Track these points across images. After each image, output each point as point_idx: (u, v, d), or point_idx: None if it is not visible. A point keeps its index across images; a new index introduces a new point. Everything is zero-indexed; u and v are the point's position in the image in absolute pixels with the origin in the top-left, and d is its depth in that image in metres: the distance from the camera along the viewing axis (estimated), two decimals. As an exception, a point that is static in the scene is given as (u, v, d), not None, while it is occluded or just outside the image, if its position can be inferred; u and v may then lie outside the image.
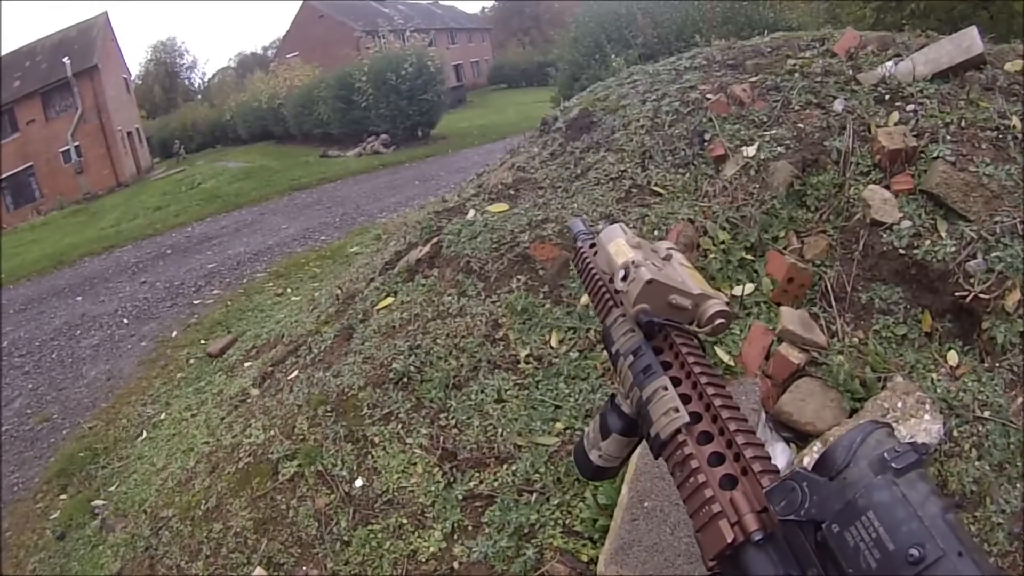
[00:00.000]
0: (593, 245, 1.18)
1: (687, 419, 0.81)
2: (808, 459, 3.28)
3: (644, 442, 0.98)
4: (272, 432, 4.78)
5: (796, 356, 3.73)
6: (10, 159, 38.37)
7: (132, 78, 51.67)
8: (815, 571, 0.68)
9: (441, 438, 4.11)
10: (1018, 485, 3.31)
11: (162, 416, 7.13)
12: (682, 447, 0.80)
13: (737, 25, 11.80)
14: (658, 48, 13.21)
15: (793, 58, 5.63)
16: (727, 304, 0.96)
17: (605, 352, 3.98)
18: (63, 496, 6.48)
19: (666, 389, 0.86)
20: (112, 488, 6.12)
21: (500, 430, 4.00)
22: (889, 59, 5.29)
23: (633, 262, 0.97)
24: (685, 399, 0.84)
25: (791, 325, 3.82)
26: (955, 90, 4.85)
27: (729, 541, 0.70)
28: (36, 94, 38.22)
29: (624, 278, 0.96)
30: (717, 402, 0.82)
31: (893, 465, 0.67)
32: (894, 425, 3.17)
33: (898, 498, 0.65)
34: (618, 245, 1.04)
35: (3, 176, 38.44)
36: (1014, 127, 4.48)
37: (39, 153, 38.13)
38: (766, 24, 7.79)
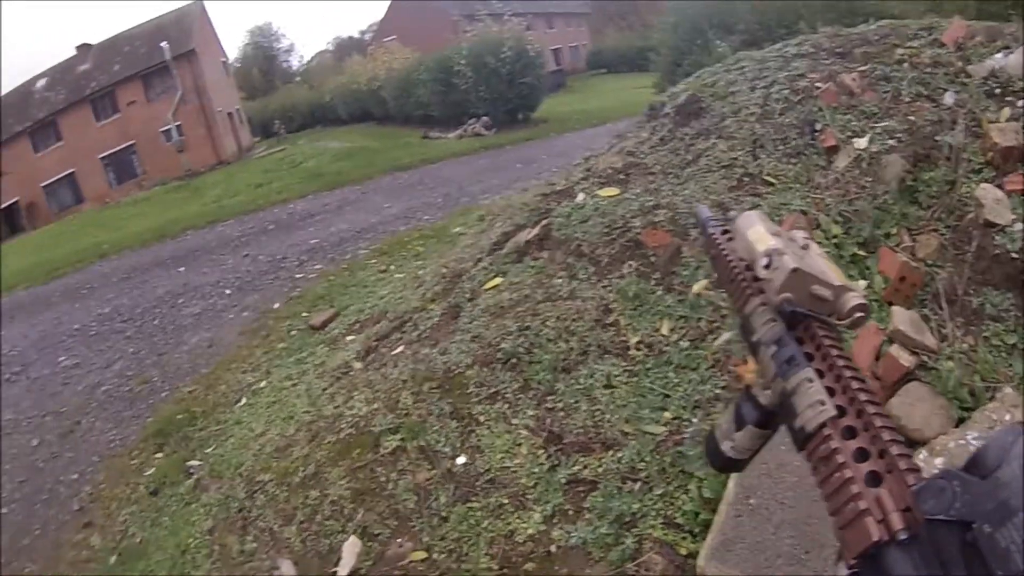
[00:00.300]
0: (726, 232, 1.16)
1: (833, 412, 0.79)
2: None
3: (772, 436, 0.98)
4: (375, 405, 4.85)
5: (906, 359, 3.60)
6: (113, 138, 40.13)
7: (230, 61, 52.74)
8: (960, 573, 0.66)
9: (547, 420, 4.11)
10: None
11: (262, 384, 7.29)
12: (827, 441, 0.78)
13: (839, 12, 11.46)
14: (760, 35, 12.92)
15: (901, 47, 5.50)
16: (865, 297, 0.94)
17: (717, 343, 4.00)
18: (159, 455, 6.71)
19: (811, 381, 0.84)
20: (208, 450, 6.30)
21: (608, 416, 3.97)
22: (998, 51, 5.13)
23: (776, 250, 0.94)
24: (829, 392, 0.82)
25: (903, 326, 3.70)
26: None
27: (875, 539, 0.68)
28: (136, 77, 39.86)
29: (767, 266, 0.94)
30: (861, 397, 0.80)
31: None
32: None
33: None
34: (758, 232, 1.02)
35: (106, 154, 40.32)
36: None
37: (140, 133, 39.76)
38: (868, 11, 7.56)
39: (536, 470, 3.91)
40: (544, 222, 5.40)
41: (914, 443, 3.34)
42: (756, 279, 0.98)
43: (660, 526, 3.40)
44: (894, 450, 0.74)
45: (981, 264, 4.03)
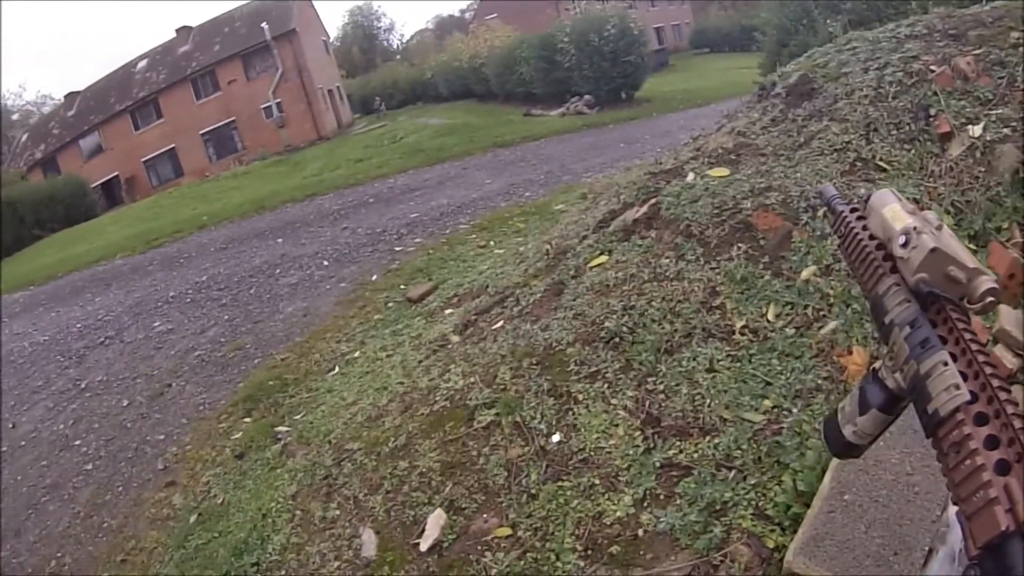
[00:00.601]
0: (856, 210, 1.10)
1: (968, 397, 0.76)
2: None
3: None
4: (472, 379, 4.83)
5: (1011, 360, 3.46)
6: (213, 115, 41.63)
7: (330, 40, 53.81)
8: None
9: (647, 402, 4.04)
10: None
11: (356, 354, 7.33)
12: (960, 427, 0.75)
13: None
14: (867, 14, 12.61)
15: (1016, 31, 5.27)
16: (996, 283, 0.87)
17: (824, 332, 3.84)
18: (247, 419, 6.80)
19: (946, 364, 0.80)
20: (297, 417, 6.35)
21: (708, 401, 3.90)
22: None
23: (915, 228, 0.92)
24: (962, 377, 0.78)
25: (1009, 326, 3.55)
26: None
27: (1002, 529, 0.65)
28: (236, 56, 41.23)
29: (904, 244, 0.92)
30: (994, 383, 0.75)
31: None
32: None
33: None
34: (894, 210, 0.99)
35: (206, 131, 41.91)
36: None
37: (241, 110, 41.25)
38: None
39: (631, 452, 3.83)
40: (652, 201, 5.32)
41: None
42: (889, 258, 0.97)
43: (750, 517, 3.31)
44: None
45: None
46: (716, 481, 3.50)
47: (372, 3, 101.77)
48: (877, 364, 0.96)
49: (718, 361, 4.07)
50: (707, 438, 3.72)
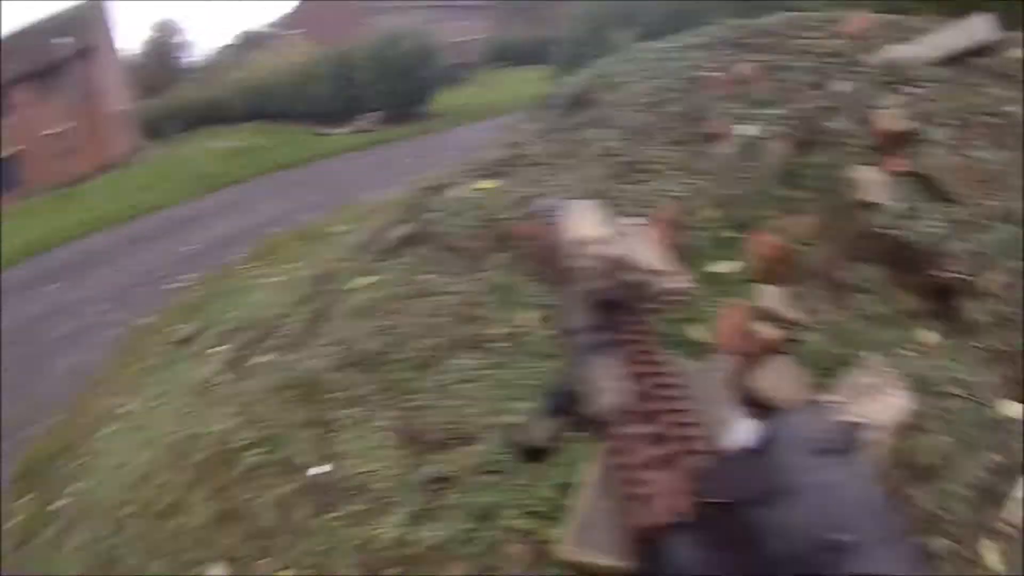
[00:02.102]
0: (556, 222, 1.08)
1: (627, 397, 0.76)
2: None
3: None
4: (238, 419, 4.68)
5: (771, 333, 3.71)
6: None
7: (128, 57, 51.58)
8: (736, 551, 0.74)
9: (408, 420, 4.02)
10: (981, 459, 3.34)
11: (130, 407, 6.96)
12: (620, 426, 0.74)
13: (746, 6, 11.72)
14: (661, 28, 13.19)
15: (800, 39, 5.64)
16: (687, 281, 0.82)
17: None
18: (30, 495, 6.31)
19: (610, 367, 0.81)
20: (75, 487, 5.96)
21: (468, 410, 3.89)
22: (897, 42, 5.28)
23: (591, 239, 0.91)
24: (630, 378, 0.78)
25: (769, 302, 3.81)
26: (958, 76, 4.87)
27: (654, 522, 0.63)
28: (29, 76, 37.78)
29: (582, 255, 0.91)
30: (659, 381, 0.76)
31: (820, 447, 0.73)
32: (865, 402, 3.22)
33: (822, 481, 0.72)
34: (581, 221, 0.99)
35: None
36: (1011, 114, 4.51)
37: (27, 136, 37.76)
38: (774, 7, 7.66)
39: (397, 472, 3.81)
40: (417, 217, 5.33)
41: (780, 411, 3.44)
42: (572, 268, 0.95)
43: (520, 516, 3.32)
44: (685, 433, 0.82)
45: (854, 241, 4.16)
46: (482, 487, 3.51)
47: (173, 18, 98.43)
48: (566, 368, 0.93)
49: (476, 370, 4.08)
50: (470, 447, 3.72)
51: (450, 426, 3.86)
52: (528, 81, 30.18)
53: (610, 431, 0.63)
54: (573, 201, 0.82)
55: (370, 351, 4.43)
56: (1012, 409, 3.50)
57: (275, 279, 9.23)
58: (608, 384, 0.64)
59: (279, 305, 6.49)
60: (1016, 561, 3.13)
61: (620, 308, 0.72)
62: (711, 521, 0.54)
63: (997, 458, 3.33)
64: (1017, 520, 3.21)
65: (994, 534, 3.19)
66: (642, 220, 0.84)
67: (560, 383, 0.79)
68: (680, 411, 0.59)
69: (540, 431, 0.78)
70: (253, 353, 5.66)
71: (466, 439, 3.76)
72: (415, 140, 23.38)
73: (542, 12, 59.30)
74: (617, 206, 4.30)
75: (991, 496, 3.26)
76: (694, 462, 0.56)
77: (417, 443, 3.89)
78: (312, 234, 11.71)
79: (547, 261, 0.88)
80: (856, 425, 0.53)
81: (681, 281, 0.71)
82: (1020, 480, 3.33)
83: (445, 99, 30.49)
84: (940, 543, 3.09)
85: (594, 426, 0.67)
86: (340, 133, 27.49)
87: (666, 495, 0.55)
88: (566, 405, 0.77)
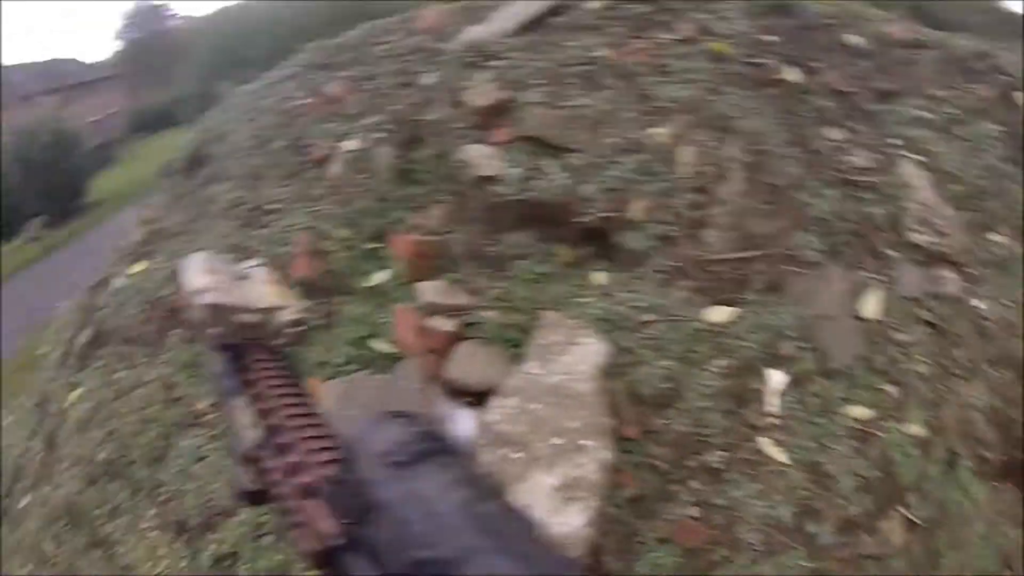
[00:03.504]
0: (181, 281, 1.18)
1: (262, 433, 0.83)
2: (491, 416, 3.34)
3: None
4: (29, 566, 4.48)
5: (446, 324, 3.80)
6: None
7: None
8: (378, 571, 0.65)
9: (166, 514, 3.99)
10: (709, 368, 3.59)
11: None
12: (261, 461, 0.82)
13: (351, 21, 11.76)
14: (278, 62, 13.06)
15: (381, 44, 5.72)
16: (303, 311, 0.97)
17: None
18: None
19: (244, 407, 0.88)
20: None
21: (212, 486, 3.90)
22: (472, 25, 5.45)
23: (197, 290, 0.96)
24: (264, 414, 0.86)
25: (432, 297, 3.89)
26: (540, 39, 5.06)
27: (314, 549, 0.70)
28: None
29: (195, 306, 0.96)
30: (291, 412, 0.83)
31: (398, 459, 0.65)
32: (560, 358, 3.38)
33: (405, 494, 0.61)
34: (190, 275, 1.03)
35: None
36: (603, 57, 4.75)
37: None
38: (379, 13, 7.74)
39: (183, 564, 3.77)
40: (94, 318, 5.22)
41: (485, 395, 3.51)
42: (192, 319, 1.01)
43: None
44: (324, 458, 0.77)
45: (488, 216, 4.31)
46: (263, 550, 3.54)
47: None
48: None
49: (201, 447, 4.08)
50: (231, 519, 3.73)
51: (204, 506, 3.86)
52: (175, 148, 29.19)
53: (254, 468, 0.71)
54: (189, 257, 0.89)
55: (106, 460, 4.35)
56: (718, 314, 3.76)
57: (10, 419, 8.62)
58: (244, 423, 0.72)
59: (18, 444, 6.08)
60: (793, 445, 3.41)
61: (243, 349, 0.79)
62: (358, 542, 0.61)
63: (727, 364, 3.59)
64: (776, 409, 3.50)
65: (764, 430, 3.45)
66: (259, 261, 0.91)
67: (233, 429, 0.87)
68: (315, 438, 0.67)
69: (245, 476, 0.85)
70: (15, 497, 5.31)
71: (225, 512, 3.78)
72: (86, 235, 22.37)
73: (166, 74, 57.10)
74: (253, 252, 4.44)
75: (738, 399, 3.51)
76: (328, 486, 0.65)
77: (185, 531, 3.87)
78: (26, 363, 11.01)
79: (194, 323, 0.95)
80: (435, 431, 0.60)
81: (296, 312, 0.80)
82: (770, 373, 3.59)
83: (101, 184, 29.20)
84: (715, 457, 3.34)
85: (242, 464, 0.74)
86: (11, 247, 25.41)
87: (314, 522, 0.63)
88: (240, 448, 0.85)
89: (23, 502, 5.07)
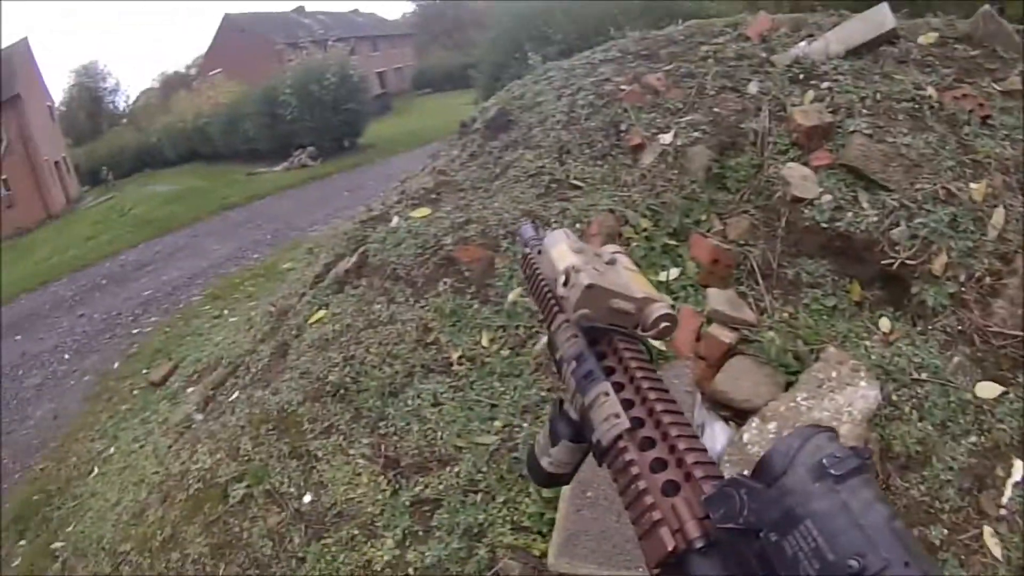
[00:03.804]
0: (542, 252, 1.15)
1: (627, 425, 0.80)
2: (747, 435, 3.32)
3: None
4: (219, 455, 4.74)
5: (727, 335, 3.74)
6: None
7: (56, 105, 50.40)
8: None
9: (382, 446, 4.09)
10: (962, 442, 3.42)
11: (111, 450, 7.00)
12: (623, 454, 0.78)
13: (655, 16, 11.80)
14: (577, 44, 13.14)
15: (706, 45, 5.66)
16: (672, 308, 0.94)
17: (538, 348, 4.05)
18: (22, 542, 6.37)
19: (607, 395, 0.85)
20: (69, 528, 5.99)
21: (439, 433, 3.98)
22: (802, 40, 5.36)
23: (573, 267, 0.94)
24: (627, 404, 0.83)
25: (719, 305, 3.84)
26: (869, 65, 4.95)
27: (670, 549, 0.68)
28: None
29: (565, 283, 0.94)
30: (659, 407, 0.80)
31: (832, 472, 0.64)
32: (831, 395, 3.26)
33: (838, 506, 0.62)
34: (560, 250, 1.02)
35: None
36: (929, 97, 4.59)
37: None
38: (685, 14, 7.78)
39: (380, 497, 3.88)
40: (361, 249, 5.36)
41: (746, 413, 3.48)
42: (559, 297, 0.98)
43: (509, 532, 3.43)
44: (691, 458, 0.74)
45: (792, 237, 4.23)
46: (467, 507, 3.60)
47: (97, 63, 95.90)
48: (563, 396, 0.99)
49: (442, 394, 4.15)
50: (447, 468, 3.81)
51: (425, 449, 3.95)
52: (453, 107, 30.00)
53: (613, 458, 0.69)
54: (551, 232, 0.88)
55: (336, 382, 4.49)
56: (988, 390, 3.58)
57: (236, 318, 9.25)
58: (604, 413, 0.71)
59: (243, 343, 6.56)
60: (1012, 542, 3.21)
61: (610, 335, 0.78)
62: (727, 548, 0.59)
63: (978, 441, 3.43)
64: (1016, 505, 3.30)
65: (993, 520, 3.27)
66: (620, 248, 0.90)
67: (564, 410, 0.85)
68: (679, 436, 0.65)
69: (557, 456, 0.85)
70: (226, 390, 5.71)
71: (443, 460, 3.86)
72: (349, 173, 23.34)
73: (459, 38, 59.16)
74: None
75: (979, 480, 3.35)
76: (704, 486, 0.62)
77: (395, 468, 3.98)
78: (265, 272, 11.76)
79: (531, 289, 0.93)
80: (864, 448, 0.59)
81: (668, 307, 0.79)
82: (1017, 463, 3.40)
83: (374, 130, 30.38)
84: (937, 532, 3.21)
85: (597, 454, 0.73)
86: (275, 171, 27.20)
87: (674, 522, 0.61)
88: (575, 433, 0.83)
89: (231, 397, 5.42)
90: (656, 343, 3.69)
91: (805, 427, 0.70)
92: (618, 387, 0.85)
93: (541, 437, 1.06)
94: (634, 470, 0.76)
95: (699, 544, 0.67)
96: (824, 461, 0.64)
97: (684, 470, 0.73)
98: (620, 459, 0.78)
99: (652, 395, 0.82)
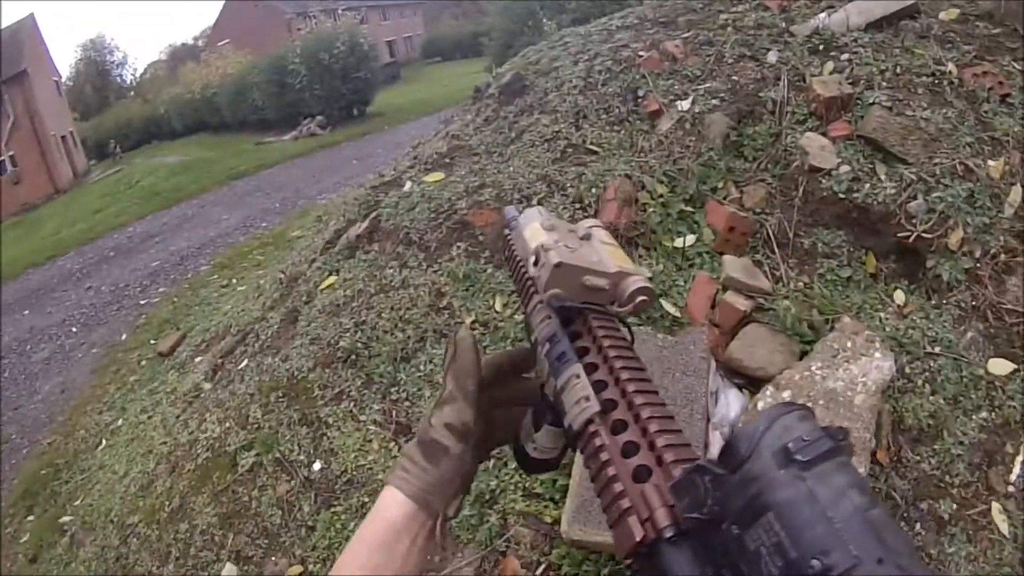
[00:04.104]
0: (516, 231, 1.11)
1: (597, 408, 0.77)
2: (762, 404, 3.31)
3: None
4: (227, 424, 4.73)
5: (742, 303, 3.74)
6: None
7: (62, 80, 50.45)
8: (729, 572, 0.60)
9: (394, 412, 4.08)
10: (974, 417, 3.44)
11: (119, 422, 7.02)
12: (593, 438, 0.76)
13: None
14: (592, 11, 13.11)
15: (725, 13, 5.62)
16: (649, 280, 0.90)
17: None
18: (31, 517, 6.40)
19: (579, 377, 0.82)
20: (78, 502, 6.01)
21: None
22: (822, 11, 5.33)
23: (543, 246, 0.92)
24: (600, 386, 0.80)
25: (735, 273, 3.83)
26: (889, 39, 4.92)
27: (638, 539, 0.65)
28: None
29: (536, 263, 0.92)
30: (631, 387, 0.78)
31: (799, 457, 0.58)
32: (846, 365, 3.25)
33: (803, 495, 0.56)
34: (533, 229, 0.99)
35: None
36: (949, 73, 4.57)
37: None
38: None
39: (390, 464, 3.84)
40: (373, 214, 5.31)
41: (760, 381, 3.49)
42: (532, 277, 0.95)
43: (521, 498, 3.42)
44: (662, 441, 0.71)
45: (809, 207, 4.21)
46: (480, 473, 3.55)
47: (104, 36, 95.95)
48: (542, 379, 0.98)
49: None
50: None
51: None
52: (462, 75, 30.09)
53: (584, 442, 0.66)
54: (525, 211, 0.85)
55: (347, 348, 4.47)
56: (1000, 366, 3.61)
57: (244, 287, 9.26)
58: (575, 395, 0.67)
59: (252, 311, 6.53)
60: (1019, 519, 3.25)
61: (581, 314, 0.74)
62: (699, 538, 0.55)
63: (989, 417, 3.47)
64: (1017, 478, 3.35)
65: (1002, 497, 3.31)
66: (598, 222, 0.87)
67: (544, 393, 0.82)
68: (651, 417, 0.61)
69: (541, 441, 0.81)
70: (235, 359, 5.70)
71: None
72: (358, 141, 23.33)
73: (469, 7, 58.98)
74: (563, 187, 4.52)
75: (988, 456, 3.38)
76: (674, 471, 0.58)
77: (406, 434, 3.96)
78: (273, 240, 11.79)
79: (510, 270, 0.90)
80: (838, 428, 0.54)
81: (645, 280, 0.74)
82: None
83: (383, 98, 30.39)
84: (946, 506, 3.25)
85: (569, 438, 0.70)
86: (283, 140, 27.23)
87: (644, 510, 0.57)
88: (557, 417, 0.79)
89: (240, 365, 5.39)
90: (671, 309, 3.72)
91: (775, 406, 0.65)
92: (591, 368, 0.83)
93: (526, 422, 1.03)
94: (603, 456, 0.73)
95: (669, 534, 0.64)
96: (790, 445, 0.59)
97: (656, 453, 0.71)
98: (591, 444, 0.76)
99: (625, 375, 0.79)
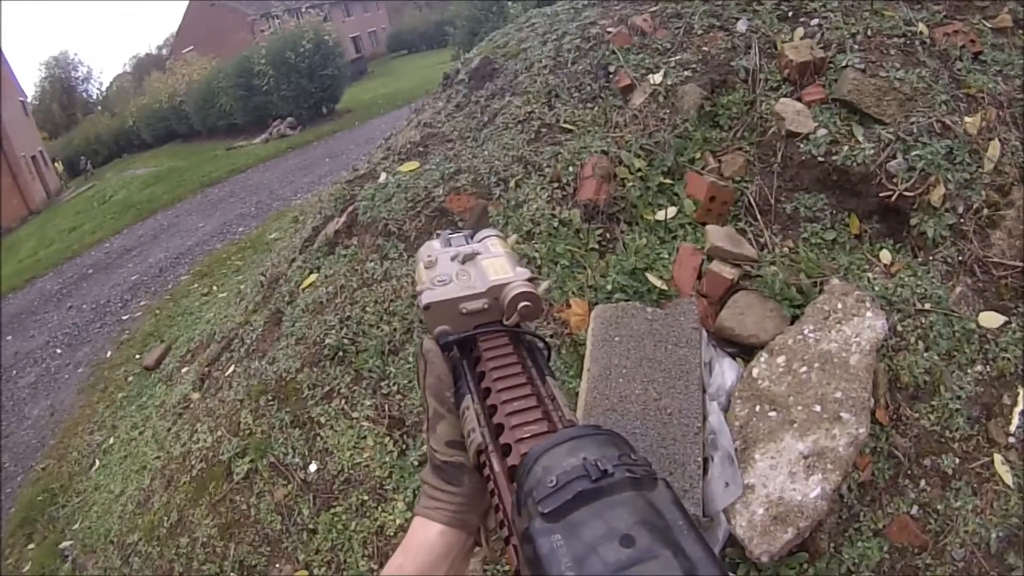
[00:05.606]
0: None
1: (481, 439, 0.78)
2: (756, 371, 3.33)
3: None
4: (219, 432, 4.70)
5: (728, 272, 3.74)
6: None
7: (28, 100, 49.93)
8: None
9: (386, 406, 4.05)
10: (969, 371, 3.48)
11: (111, 440, 6.99)
12: (484, 468, 0.77)
13: None
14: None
15: None
16: (528, 282, 0.87)
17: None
18: (31, 545, 6.35)
19: (468, 408, 0.83)
20: (76, 525, 5.98)
21: None
22: None
23: (418, 291, 0.93)
24: (492, 410, 0.80)
25: (719, 242, 3.82)
26: (858, 2, 4.91)
27: (516, 569, 0.62)
28: None
29: (419, 307, 0.90)
30: (512, 408, 0.77)
31: (541, 508, 0.54)
32: (838, 326, 3.29)
33: (547, 553, 0.51)
34: (419, 271, 0.99)
35: None
36: (921, 33, 4.58)
37: None
38: None
39: (387, 459, 3.86)
40: (350, 209, 5.28)
41: (753, 348, 3.50)
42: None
43: None
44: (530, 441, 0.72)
45: (789, 172, 4.20)
46: None
47: (68, 52, 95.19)
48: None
49: None
50: None
51: None
52: (430, 67, 30.10)
53: (483, 473, 0.63)
54: (427, 242, 0.82)
55: (334, 345, 4.44)
56: (991, 319, 3.65)
57: (225, 293, 9.27)
58: (468, 426, 0.65)
59: (235, 316, 6.48)
60: (1022, 469, 3.30)
61: (473, 341, 0.71)
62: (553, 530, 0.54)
63: (984, 370, 3.50)
64: (1016, 428, 3.40)
65: (1001, 447, 3.36)
66: (494, 231, 0.83)
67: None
68: (530, 422, 0.58)
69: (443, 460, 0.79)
70: (221, 366, 5.66)
71: None
72: (329, 140, 23.32)
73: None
74: (540, 166, 4.52)
75: (986, 409, 3.43)
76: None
77: (401, 428, 3.94)
78: (251, 244, 11.78)
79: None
80: (617, 455, 0.49)
81: (522, 285, 0.70)
82: (1022, 392, 3.48)
83: (352, 95, 30.41)
84: (949, 461, 3.29)
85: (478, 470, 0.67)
86: (254, 144, 27.11)
87: (509, 506, 0.56)
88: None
89: (228, 372, 5.36)
90: (657, 282, 3.70)
91: (561, 431, 0.64)
92: (486, 393, 0.83)
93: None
94: (491, 485, 0.74)
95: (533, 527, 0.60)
96: (535, 493, 0.55)
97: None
98: (484, 471, 0.77)
99: (505, 395, 0.79)
